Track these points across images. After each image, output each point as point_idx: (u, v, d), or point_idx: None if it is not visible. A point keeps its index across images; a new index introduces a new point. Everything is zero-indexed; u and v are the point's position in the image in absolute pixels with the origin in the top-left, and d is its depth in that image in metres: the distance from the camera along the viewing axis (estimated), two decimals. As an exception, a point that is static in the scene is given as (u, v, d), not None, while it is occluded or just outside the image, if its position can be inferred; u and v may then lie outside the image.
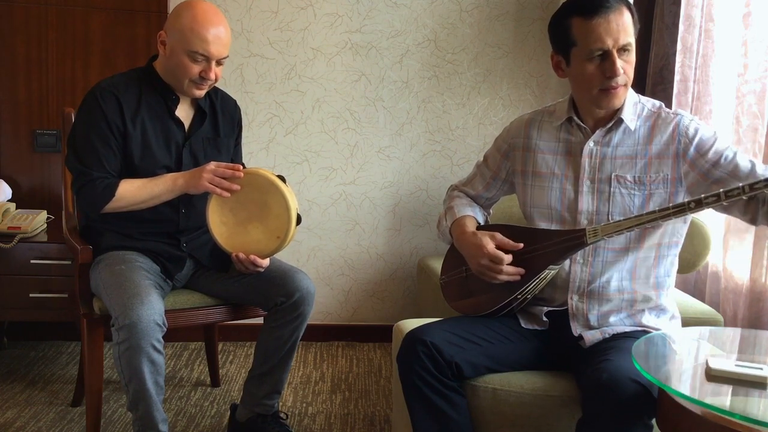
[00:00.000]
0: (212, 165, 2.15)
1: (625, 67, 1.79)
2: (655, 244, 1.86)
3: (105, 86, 2.21)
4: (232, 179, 2.14)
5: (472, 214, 2.04)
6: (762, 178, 1.63)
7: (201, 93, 2.25)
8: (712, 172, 1.78)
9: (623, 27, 1.76)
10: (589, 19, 1.76)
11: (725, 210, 1.81)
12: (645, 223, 1.72)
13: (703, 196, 1.63)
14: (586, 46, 1.77)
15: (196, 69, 2.17)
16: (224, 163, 2.17)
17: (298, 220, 2.18)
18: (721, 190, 1.62)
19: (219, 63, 2.20)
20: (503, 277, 1.87)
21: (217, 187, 2.13)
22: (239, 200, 2.16)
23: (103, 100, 2.18)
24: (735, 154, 1.78)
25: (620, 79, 1.79)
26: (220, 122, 2.37)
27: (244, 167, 2.22)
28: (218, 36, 2.16)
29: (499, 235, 1.90)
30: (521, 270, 1.87)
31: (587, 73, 1.80)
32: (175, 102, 2.27)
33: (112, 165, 2.19)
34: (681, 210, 1.67)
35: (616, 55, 1.76)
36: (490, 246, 1.88)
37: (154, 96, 2.25)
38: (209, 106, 2.35)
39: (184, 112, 2.30)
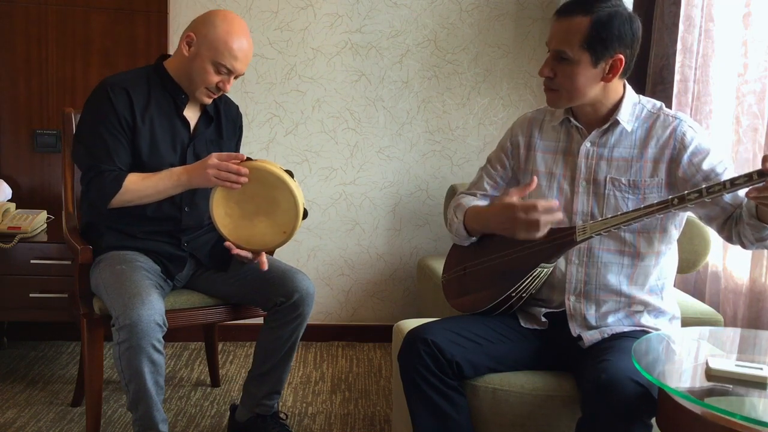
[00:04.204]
0: (214, 159, 2.11)
1: (556, 71, 1.80)
2: (652, 251, 1.86)
3: (115, 81, 2.21)
4: (237, 175, 2.12)
5: (482, 203, 2.04)
6: (743, 174, 1.58)
7: (209, 101, 2.28)
8: (701, 185, 1.76)
9: (561, 34, 1.78)
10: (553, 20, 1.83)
11: (708, 221, 1.82)
12: (631, 220, 1.72)
13: (686, 192, 1.64)
14: None
15: (215, 79, 2.20)
16: (225, 153, 2.13)
17: (305, 215, 2.17)
18: (703, 186, 1.62)
19: (236, 77, 2.24)
20: (545, 218, 1.73)
21: (225, 180, 2.11)
22: (246, 193, 2.13)
23: (114, 94, 2.18)
24: (725, 170, 1.78)
25: (546, 81, 1.82)
26: (224, 125, 2.38)
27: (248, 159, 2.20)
28: (247, 54, 2.21)
29: (514, 191, 1.82)
30: (559, 214, 1.77)
31: None
32: (184, 101, 2.27)
33: (122, 158, 2.18)
34: (665, 207, 1.67)
35: (549, 56, 1.81)
36: (515, 198, 1.79)
37: (163, 94, 2.25)
38: (213, 108, 2.36)
39: (190, 113, 2.30)
